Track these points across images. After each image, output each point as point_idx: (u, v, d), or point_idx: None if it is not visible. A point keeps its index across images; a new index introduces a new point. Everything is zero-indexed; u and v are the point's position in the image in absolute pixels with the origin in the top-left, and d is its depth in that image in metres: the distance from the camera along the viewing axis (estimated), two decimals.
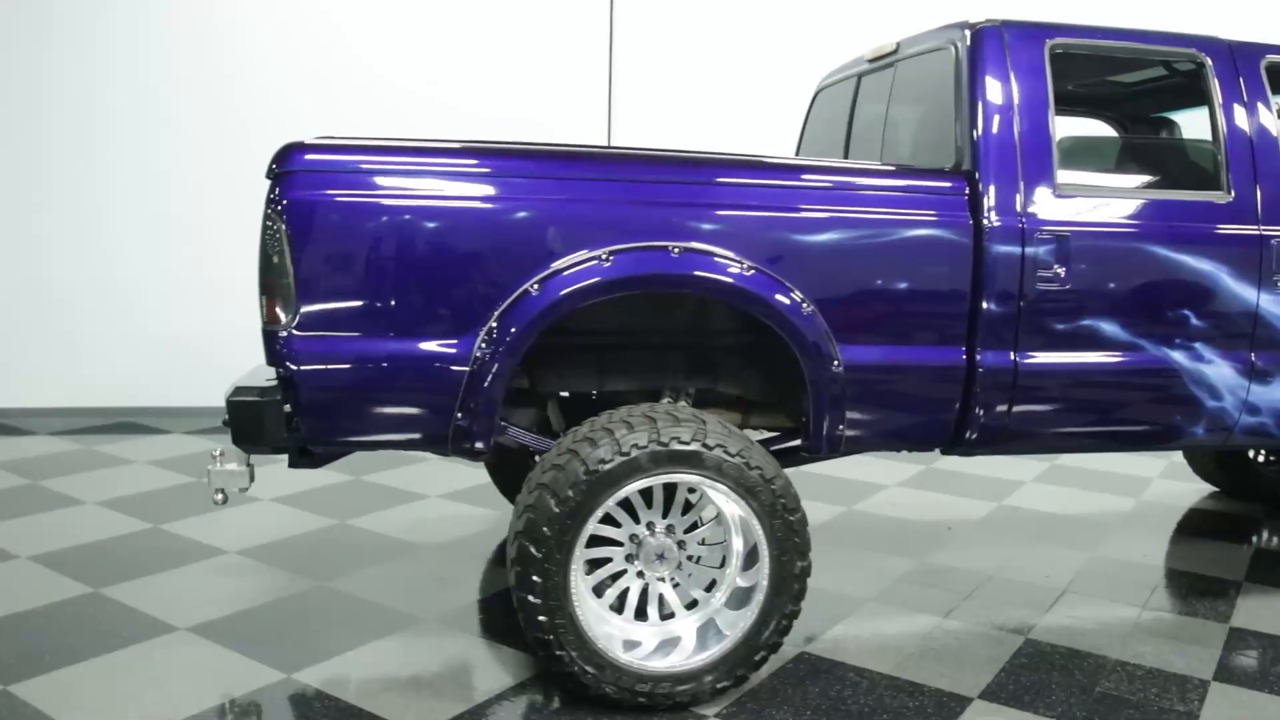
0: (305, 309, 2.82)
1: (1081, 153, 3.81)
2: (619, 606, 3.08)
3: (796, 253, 3.06)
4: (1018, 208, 3.23)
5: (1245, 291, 3.43)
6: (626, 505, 3.00)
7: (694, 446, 2.91)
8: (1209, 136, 3.52)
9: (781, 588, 3.01)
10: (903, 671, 3.29)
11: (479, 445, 2.95)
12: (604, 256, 2.91)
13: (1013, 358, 3.26)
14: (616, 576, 3.09)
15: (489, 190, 2.90)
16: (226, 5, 6.60)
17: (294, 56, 6.64)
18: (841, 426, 3.18)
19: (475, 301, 2.88)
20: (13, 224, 6.63)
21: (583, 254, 2.90)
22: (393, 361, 2.87)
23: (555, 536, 2.84)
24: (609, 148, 3.35)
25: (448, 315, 2.88)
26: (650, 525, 3.07)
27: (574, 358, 3.45)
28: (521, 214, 2.91)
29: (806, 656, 3.40)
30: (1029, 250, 3.23)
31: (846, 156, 4.23)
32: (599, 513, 2.88)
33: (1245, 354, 3.47)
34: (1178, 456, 6.11)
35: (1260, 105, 3.52)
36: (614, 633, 3.04)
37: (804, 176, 3.16)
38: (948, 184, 3.21)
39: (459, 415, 2.91)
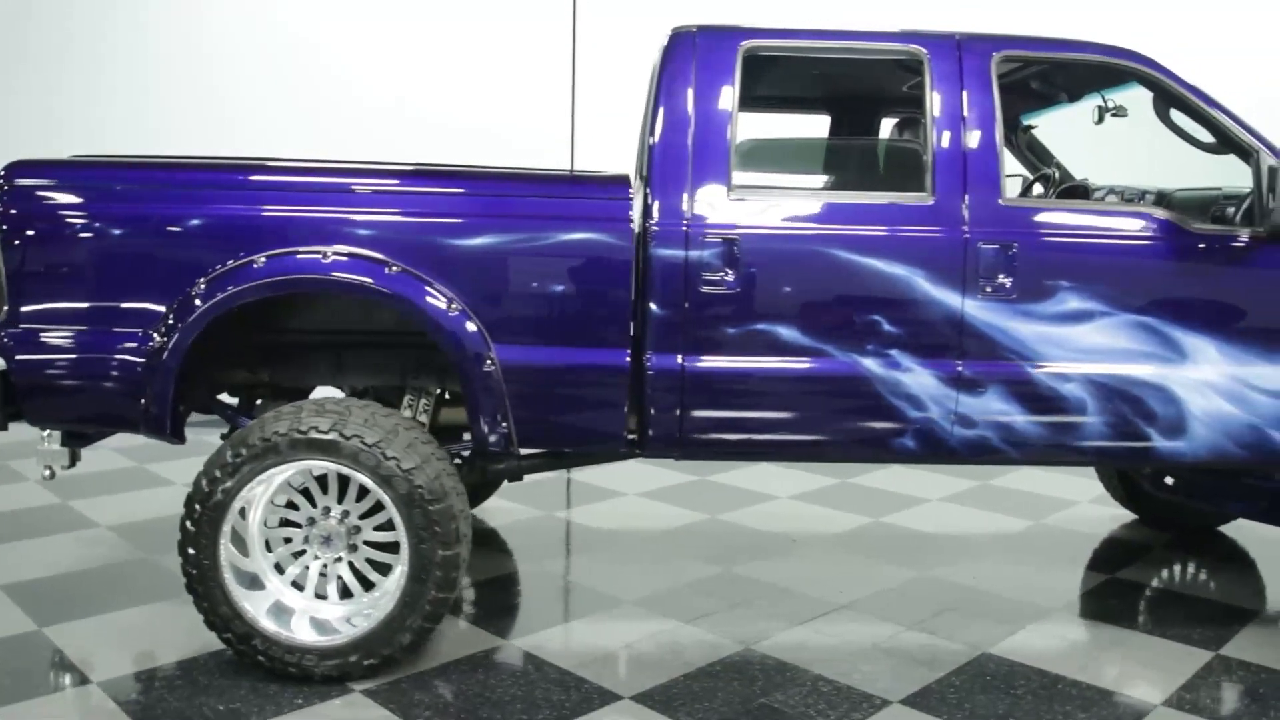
0: (15, 307, 3.24)
1: (771, 155, 3.72)
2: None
3: (449, 256, 3.21)
4: (684, 211, 3.24)
5: (948, 298, 3.26)
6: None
7: (331, 435, 3.11)
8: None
9: (422, 575, 3.15)
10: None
11: (164, 429, 3.27)
12: (260, 260, 3.17)
13: (680, 361, 3.27)
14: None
15: (168, 202, 3.23)
16: (218, 33, 7.29)
17: (279, 77, 7.25)
18: (505, 425, 3.29)
19: (155, 299, 3.22)
20: None
21: (245, 258, 3.18)
22: (88, 353, 3.24)
23: (205, 513, 3.12)
24: (275, 160, 3.59)
25: (133, 312, 3.23)
26: (327, 510, 3.29)
27: (313, 356, 3.71)
28: (195, 222, 3.22)
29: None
30: (693, 254, 3.23)
31: None
32: (245, 493, 3.13)
33: (951, 363, 3.30)
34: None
35: (980, 102, 3.34)
36: (298, 608, 3.26)
37: (458, 183, 3.30)
38: (610, 189, 3.26)
39: (143, 401, 3.25)
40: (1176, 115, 3.63)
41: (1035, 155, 4.65)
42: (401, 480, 3.12)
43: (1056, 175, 4.47)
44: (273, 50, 7.28)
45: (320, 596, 3.32)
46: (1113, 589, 4.29)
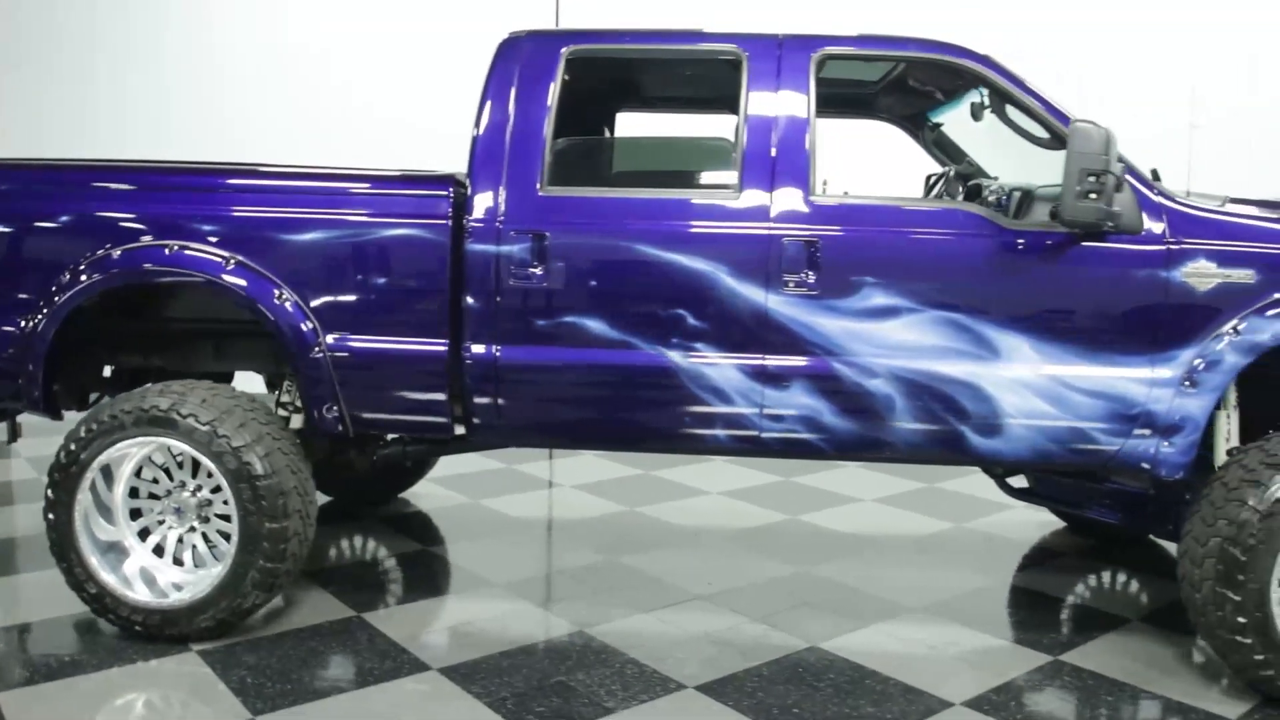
0: None
1: (587, 154, 3.80)
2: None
3: (283, 251, 3.45)
4: (498, 209, 3.40)
5: (752, 293, 3.32)
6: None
7: (169, 413, 3.39)
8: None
9: (250, 546, 3.40)
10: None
11: (39, 406, 3.62)
12: (116, 253, 3.48)
13: (494, 351, 3.42)
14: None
15: (43, 200, 3.57)
16: (225, 44, 7.76)
17: (283, 87, 7.68)
18: (335, 409, 3.51)
19: (30, 289, 3.55)
20: None
21: (106, 251, 3.49)
22: None
23: (63, 481, 3.44)
24: (134, 162, 3.86)
25: (14, 301, 3.57)
26: (183, 484, 3.57)
27: (196, 343, 4.01)
28: (66, 219, 3.55)
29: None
30: (504, 249, 3.38)
31: None
32: (97, 464, 3.43)
33: (756, 357, 3.35)
34: None
35: (794, 101, 3.38)
36: (144, 572, 3.56)
37: (294, 182, 3.54)
38: (432, 188, 3.44)
39: (22, 381, 3.59)
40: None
41: (945, 153, 4.61)
42: (231, 456, 3.37)
43: (952, 173, 4.42)
44: (276, 57, 7.71)
45: (178, 563, 3.61)
46: (990, 593, 4.24)
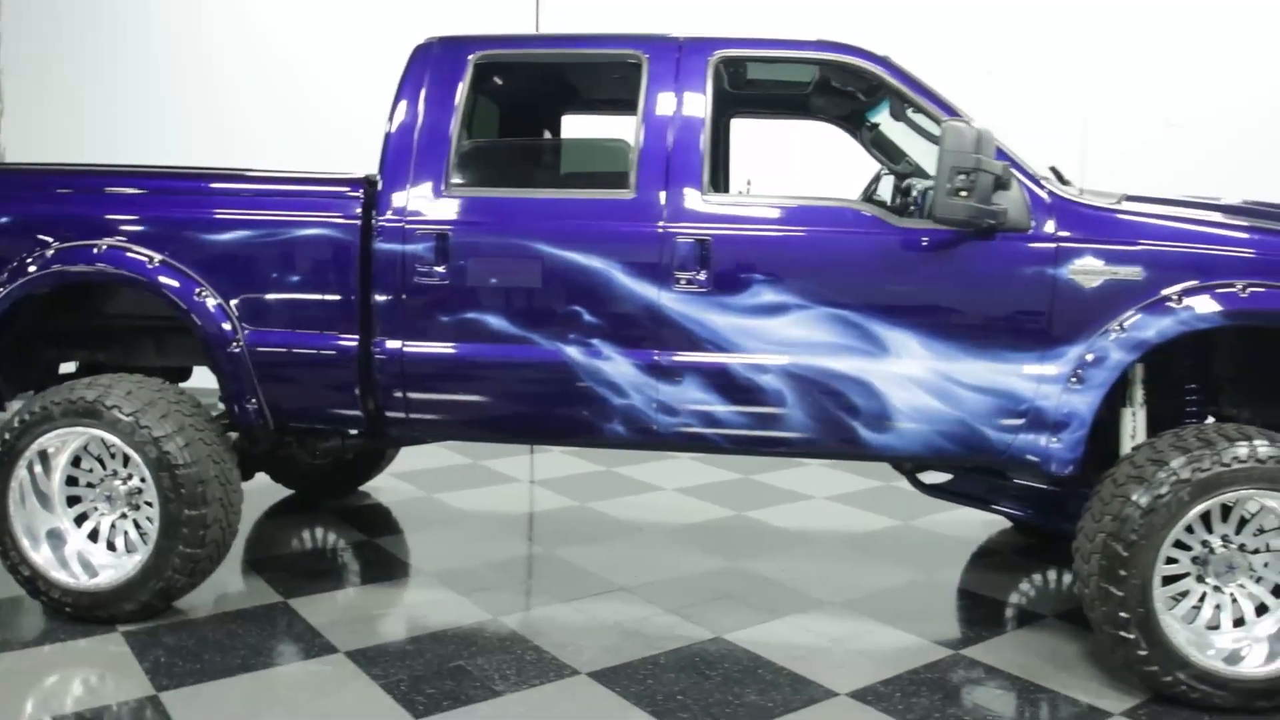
0: None
1: (492, 156, 3.89)
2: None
3: (205, 250, 3.61)
4: (404, 208, 3.52)
5: (645, 290, 3.40)
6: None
7: (94, 405, 3.56)
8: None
9: (170, 532, 3.55)
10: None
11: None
12: (52, 251, 3.66)
13: (401, 347, 3.55)
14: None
15: None
16: (217, 44, 8.00)
17: (273, 93, 7.91)
18: (255, 402, 3.66)
19: None
20: None
21: (49, 249, 3.67)
22: None
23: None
24: (65, 166, 4.01)
25: None
26: (115, 473, 3.74)
27: (139, 339, 4.19)
28: (8, 219, 3.74)
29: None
30: (409, 247, 3.50)
31: None
32: (30, 452, 3.61)
33: (649, 353, 3.43)
34: None
35: (691, 102, 3.46)
36: (75, 557, 3.74)
37: (213, 184, 3.70)
38: (342, 189, 3.58)
39: None
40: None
41: (884, 152, 4.64)
42: (151, 446, 3.53)
43: (884, 172, 4.46)
44: (267, 63, 7.94)
45: (112, 548, 3.77)
46: (915, 589, 4.27)
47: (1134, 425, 3.50)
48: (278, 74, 7.95)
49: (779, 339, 3.37)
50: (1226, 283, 3.19)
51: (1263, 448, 3.11)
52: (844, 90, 4.24)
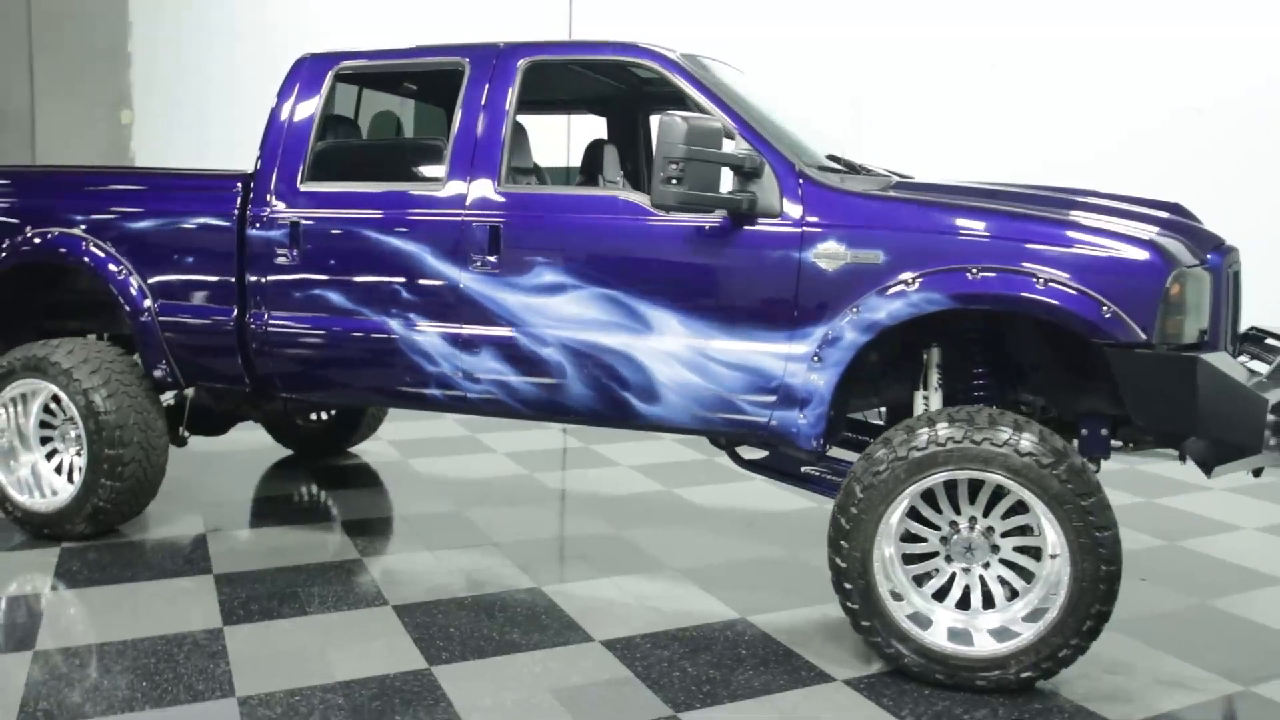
0: None
1: (341, 156, 4.34)
2: None
3: (124, 234, 4.38)
4: (269, 202, 4.13)
5: (450, 270, 3.83)
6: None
7: (42, 361, 4.39)
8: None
9: (96, 467, 4.31)
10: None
11: None
12: (20, 241, 4.53)
13: (265, 318, 4.15)
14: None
15: None
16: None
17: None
18: (165, 364, 4.38)
19: None
20: None
21: (18, 236, 4.55)
22: None
23: None
24: (30, 167, 4.83)
25: None
26: (71, 419, 4.57)
27: (98, 312, 4.99)
28: None
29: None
30: (272, 234, 4.10)
31: None
32: (4, 395, 4.48)
33: (454, 326, 3.85)
34: None
35: (497, 103, 3.85)
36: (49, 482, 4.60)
37: (134, 181, 4.45)
38: (225, 184, 4.24)
39: None
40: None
41: None
42: (80, 396, 4.32)
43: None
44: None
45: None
46: (768, 564, 4.43)
47: (927, 409, 3.58)
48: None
49: (558, 316, 3.71)
50: (960, 267, 3.25)
51: (973, 430, 3.16)
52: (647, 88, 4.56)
